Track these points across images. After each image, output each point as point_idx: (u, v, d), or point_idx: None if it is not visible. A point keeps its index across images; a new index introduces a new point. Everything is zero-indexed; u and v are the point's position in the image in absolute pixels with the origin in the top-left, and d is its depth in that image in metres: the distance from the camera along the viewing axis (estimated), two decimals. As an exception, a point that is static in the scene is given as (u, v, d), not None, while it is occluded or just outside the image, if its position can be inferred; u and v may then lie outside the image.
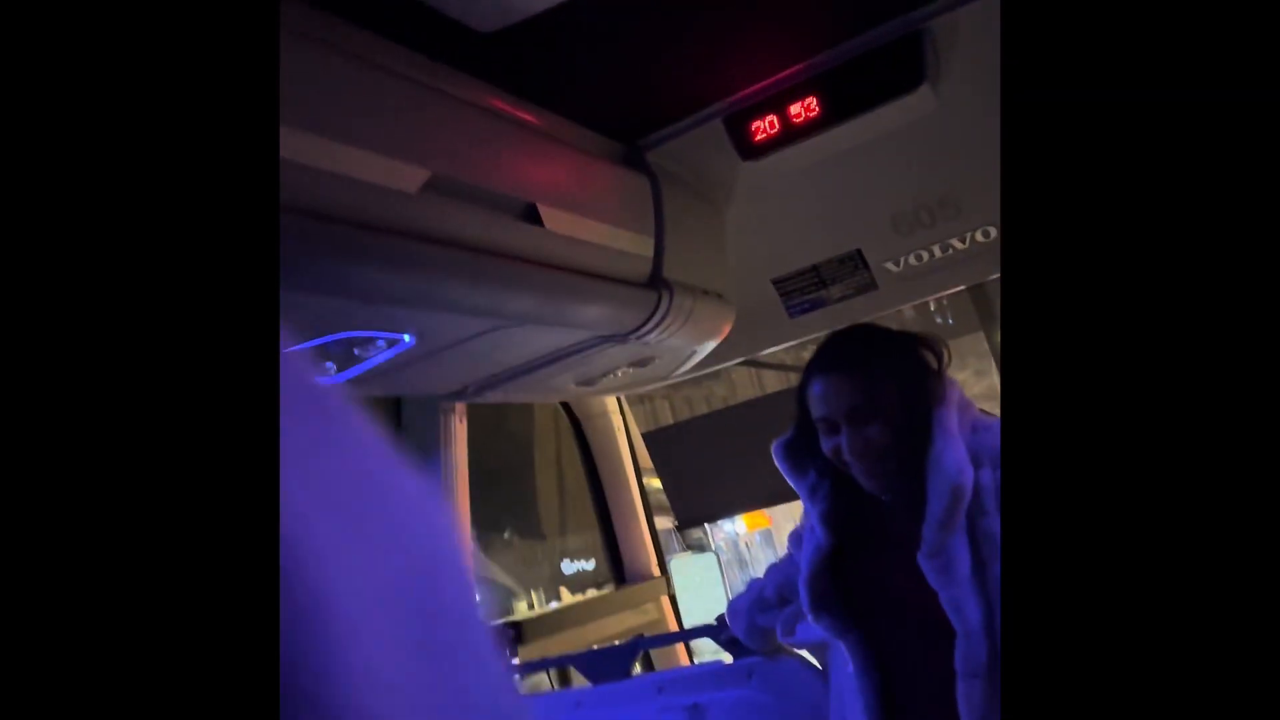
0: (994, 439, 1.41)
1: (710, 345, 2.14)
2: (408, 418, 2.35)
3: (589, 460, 2.85)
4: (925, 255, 1.98)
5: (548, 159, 1.58)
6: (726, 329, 2.09)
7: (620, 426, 2.87)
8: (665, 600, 2.84)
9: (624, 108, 1.73)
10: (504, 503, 8.63)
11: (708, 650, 2.55)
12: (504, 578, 8.31)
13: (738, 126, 1.78)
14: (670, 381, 2.50)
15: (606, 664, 2.12)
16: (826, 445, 1.45)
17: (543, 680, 2.44)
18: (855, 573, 1.51)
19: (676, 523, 3.00)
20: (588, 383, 2.43)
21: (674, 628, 2.81)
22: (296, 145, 1.08)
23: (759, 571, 2.04)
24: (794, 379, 1.56)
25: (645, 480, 2.95)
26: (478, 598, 0.50)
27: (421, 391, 2.24)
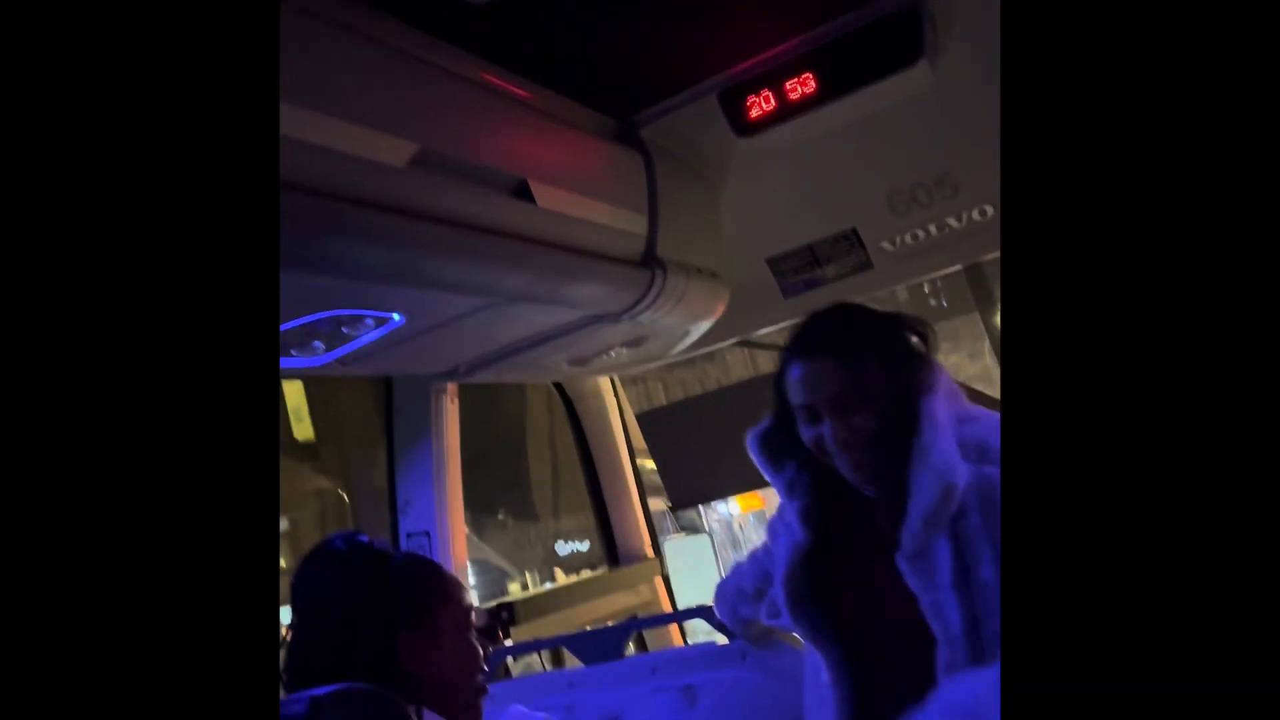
0: (982, 431, 1.32)
1: (704, 325, 2.12)
2: (398, 398, 2.34)
3: (582, 441, 2.84)
4: (921, 234, 1.96)
5: (539, 134, 1.56)
6: (720, 309, 2.07)
7: (614, 407, 2.85)
8: (659, 581, 2.84)
9: (617, 82, 1.71)
10: (497, 484, 8.64)
11: (701, 631, 2.54)
12: (498, 559, 8.34)
13: (733, 102, 1.76)
14: (664, 362, 2.49)
15: (600, 645, 2.12)
16: (807, 435, 1.36)
17: (536, 661, 2.44)
18: (834, 573, 1.42)
19: (670, 504, 3.00)
20: (581, 363, 2.42)
21: (667, 609, 2.81)
22: (281, 117, 1.05)
23: (752, 553, 2.03)
24: (788, 360, 1.52)
25: (639, 461, 2.94)
26: None
27: (412, 371, 2.22)
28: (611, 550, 2.85)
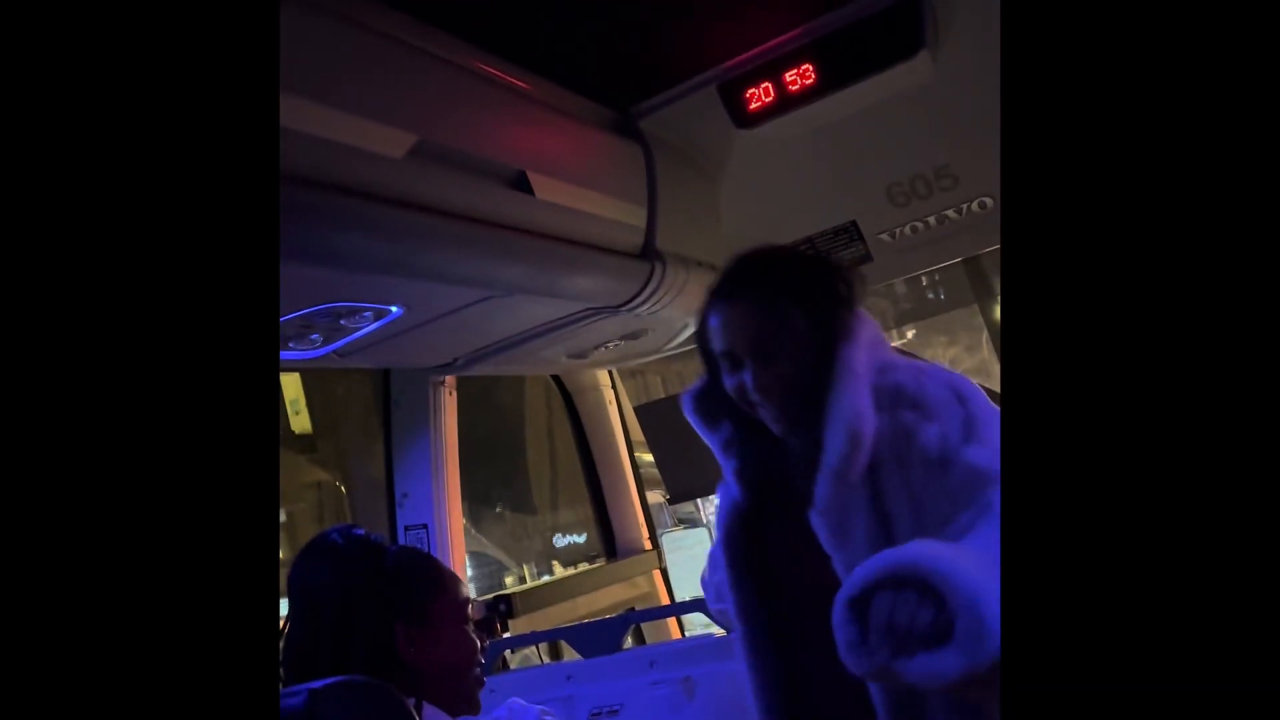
0: (902, 378, 1.25)
1: (703, 318, 2.11)
2: (396, 390, 2.33)
3: (580, 434, 2.83)
4: (920, 226, 1.96)
5: (538, 125, 1.55)
6: (720, 301, 2.06)
7: (612, 400, 2.85)
8: (656, 574, 2.84)
9: (616, 74, 1.70)
10: (495, 477, 8.64)
11: (699, 624, 2.55)
12: (496, 551, 8.35)
13: (732, 93, 1.75)
14: (663, 355, 2.49)
15: (598, 637, 2.12)
16: (730, 383, 1.29)
17: (534, 654, 2.44)
18: (765, 535, 1.36)
19: (668, 497, 2.99)
20: (579, 355, 2.41)
21: (665, 601, 2.82)
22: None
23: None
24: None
25: (637, 454, 2.93)
26: None
27: (410, 363, 2.21)
28: (609, 543, 2.85)
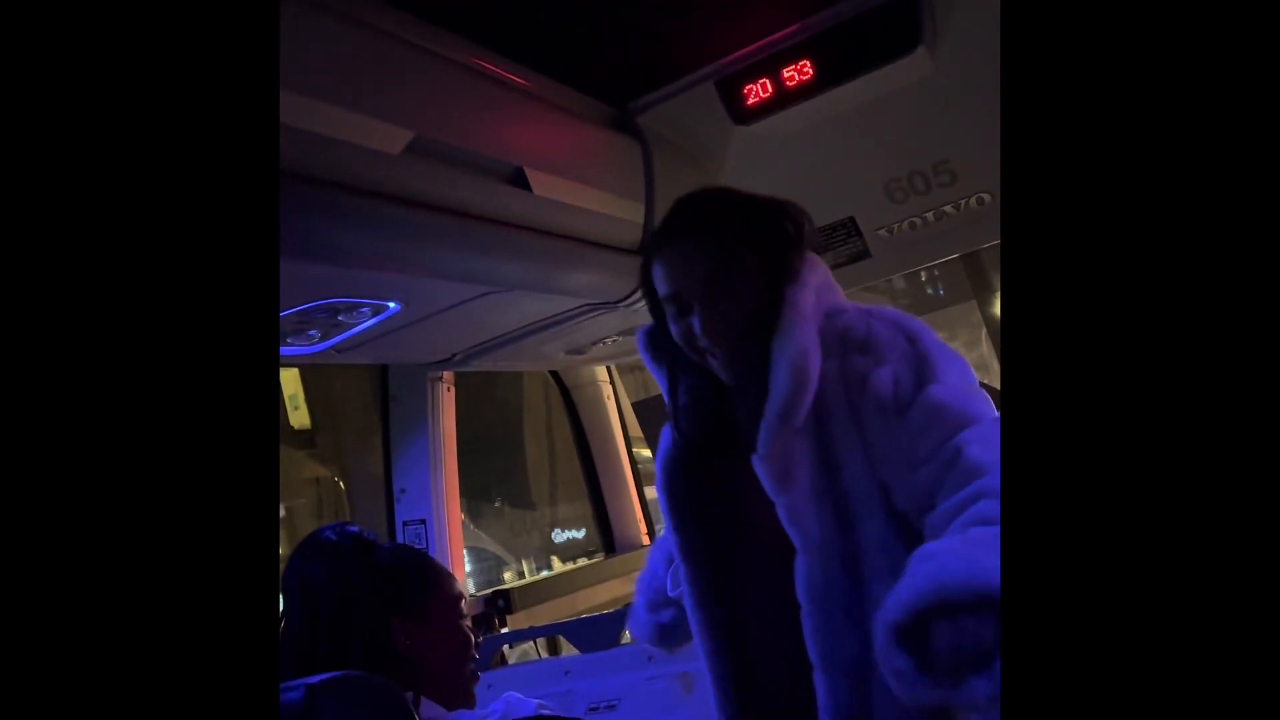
0: (850, 321, 1.20)
1: (701, 314, 2.11)
2: (395, 386, 2.33)
3: (579, 429, 2.83)
4: (919, 222, 1.96)
5: (535, 121, 1.55)
6: (718, 297, 2.06)
7: (610, 395, 2.85)
8: (655, 569, 2.84)
9: (614, 69, 1.70)
10: (494, 472, 8.63)
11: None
12: (494, 547, 8.34)
13: (730, 89, 1.75)
14: (660, 350, 2.48)
15: (596, 632, 2.12)
16: (676, 329, 1.24)
17: (532, 649, 2.44)
18: (707, 481, 1.30)
19: (666, 492, 2.98)
20: (577, 351, 2.41)
21: (663, 596, 2.81)
22: (274, 104, 1.05)
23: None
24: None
25: (635, 450, 2.94)
26: None
27: (409, 359, 2.21)
28: (608, 538, 2.85)
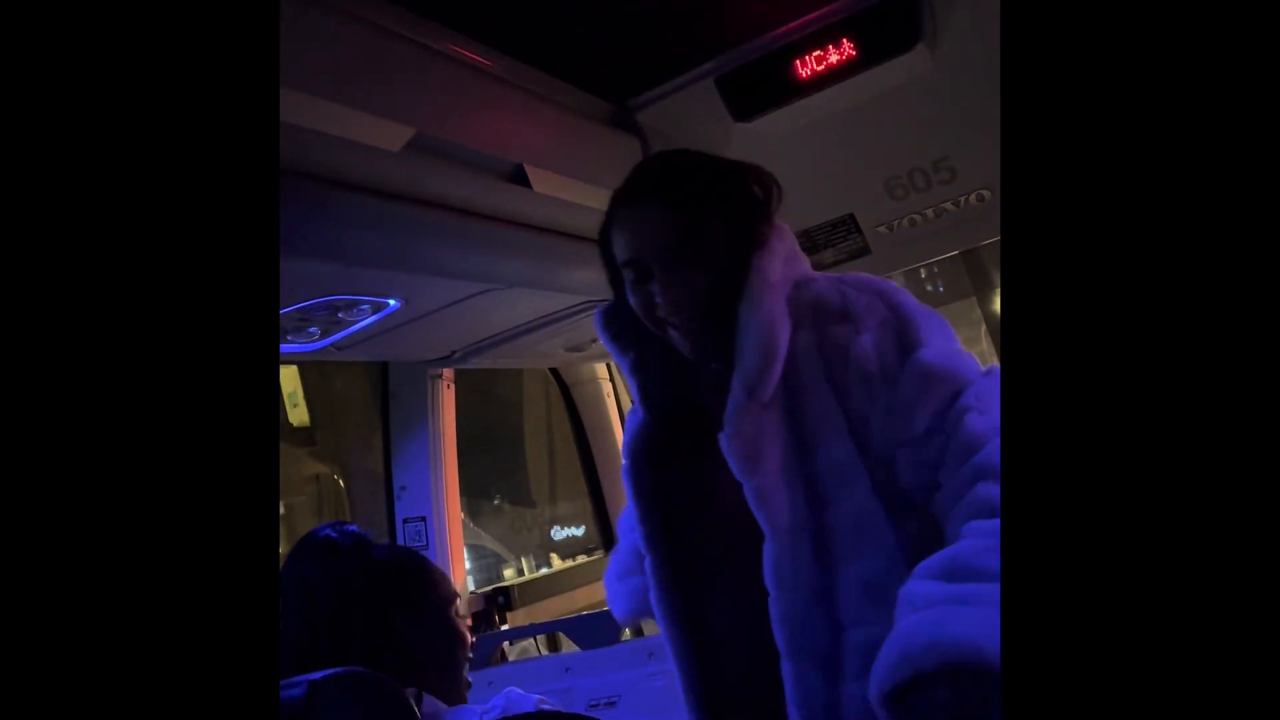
0: (822, 289, 1.14)
1: (701, 311, 2.11)
2: (395, 383, 2.33)
3: (579, 427, 2.83)
4: (918, 219, 1.96)
5: (535, 119, 1.55)
6: (717, 294, 2.06)
7: (610, 393, 2.85)
8: (654, 566, 2.84)
9: (614, 67, 1.70)
10: (494, 469, 8.63)
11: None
12: (494, 544, 8.35)
13: (730, 86, 1.75)
14: (660, 347, 2.48)
15: (596, 629, 2.12)
16: (636, 299, 1.16)
17: (532, 646, 2.44)
18: (673, 463, 1.23)
19: (666, 489, 2.97)
20: (577, 348, 2.41)
21: (663, 593, 2.82)
22: (274, 101, 1.05)
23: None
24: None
25: (635, 447, 2.93)
26: None
27: (408, 356, 2.21)
28: (607, 535, 2.85)
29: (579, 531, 8.77)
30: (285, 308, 1.50)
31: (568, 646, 2.35)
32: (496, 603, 2.40)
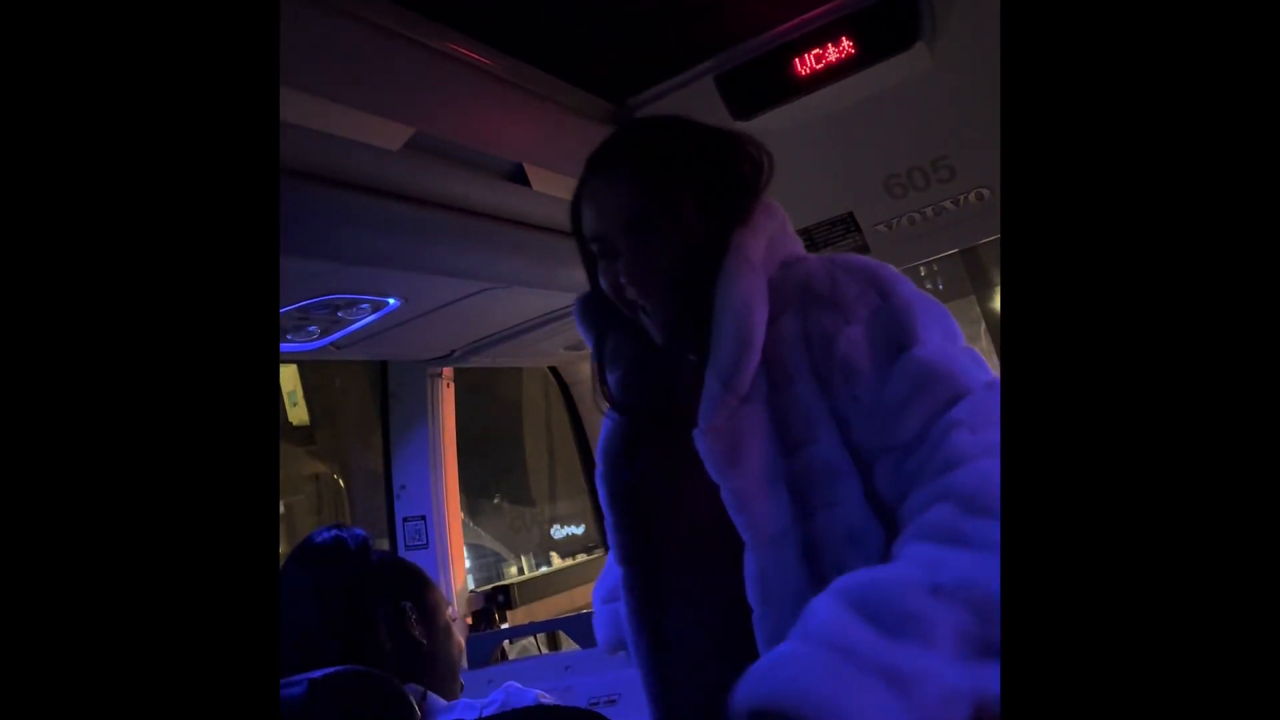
0: (810, 272, 1.02)
1: (700, 309, 2.11)
2: (394, 382, 2.34)
3: (578, 426, 2.84)
4: (918, 217, 1.96)
5: (534, 118, 1.55)
6: (716, 292, 2.06)
7: (609, 391, 2.85)
8: (654, 564, 2.84)
9: (613, 65, 1.69)
10: (494, 468, 8.64)
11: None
12: (494, 543, 8.36)
13: (729, 85, 1.75)
14: (660, 346, 2.48)
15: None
16: (605, 280, 1.07)
17: (532, 644, 2.44)
18: (647, 463, 1.11)
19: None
20: (577, 347, 2.41)
21: (663, 592, 2.82)
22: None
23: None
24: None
25: (635, 445, 2.93)
26: None
27: (408, 355, 2.21)
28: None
29: (579, 530, 8.78)
30: (285, 307, 1.50)
31: (568, 645, 2.35)
32: (496, 601, 2.40)
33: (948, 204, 1.92)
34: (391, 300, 1.64)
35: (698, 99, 1.78)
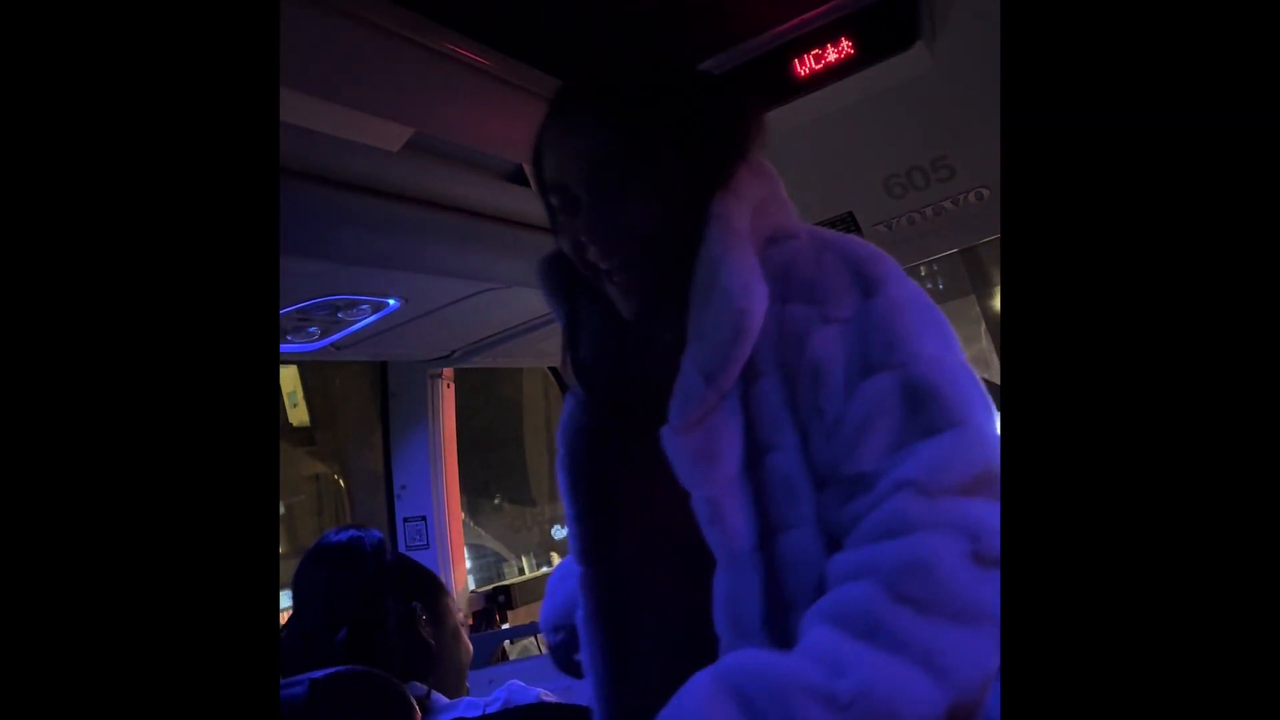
0: (796, 254, 0.88)
1: (700, 309, 2.11)
2: (394, 383, 2.34)
3: (578, 425, 2.83)
4: (918, 218, 1.96)
5: (534, 117, 1.55)
6: (717, 292, 2.06)
7: (610, 391, 2.85)
8: (654, 565, 2.84)
9: (613, 66, 1.69)
10: (494, 469, 8.63)
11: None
12: (494, 543, 8.35)
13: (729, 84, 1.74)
14: (660, 346, 2.48)
15: (596, 628, 2.12)
16: (565, 239, 0.91)
17: (533, 644, 2.44)
18: (613, 460, 0.97)
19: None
20: (576, 347, 2.41)
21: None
22: (273, 101, 1.05)
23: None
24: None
25: (635, 445, 2.93)
26: None
27: (408, 356, 2.21)
28: (608, 534, 2.85)
29: (579, 530, 8.75)
30: (285, 307, 1.50)
31: (568, 645, 2.35)
32: (497, 601, 2.40)
33: (947, 204, 1.92)
34: (391, 301, 1.64)
35: (697, 99, 1.78)
